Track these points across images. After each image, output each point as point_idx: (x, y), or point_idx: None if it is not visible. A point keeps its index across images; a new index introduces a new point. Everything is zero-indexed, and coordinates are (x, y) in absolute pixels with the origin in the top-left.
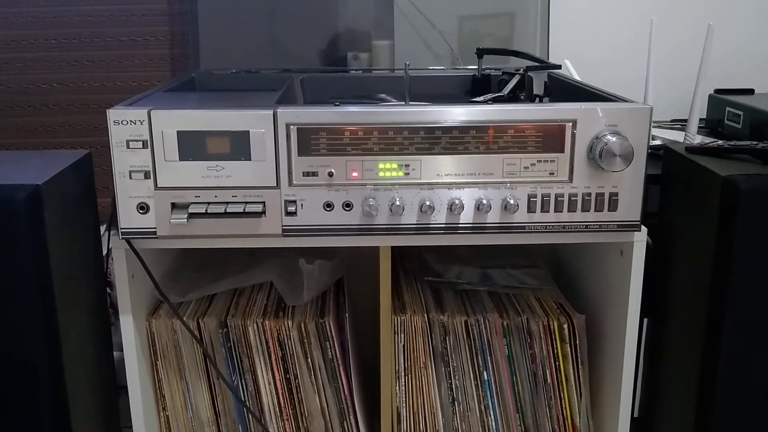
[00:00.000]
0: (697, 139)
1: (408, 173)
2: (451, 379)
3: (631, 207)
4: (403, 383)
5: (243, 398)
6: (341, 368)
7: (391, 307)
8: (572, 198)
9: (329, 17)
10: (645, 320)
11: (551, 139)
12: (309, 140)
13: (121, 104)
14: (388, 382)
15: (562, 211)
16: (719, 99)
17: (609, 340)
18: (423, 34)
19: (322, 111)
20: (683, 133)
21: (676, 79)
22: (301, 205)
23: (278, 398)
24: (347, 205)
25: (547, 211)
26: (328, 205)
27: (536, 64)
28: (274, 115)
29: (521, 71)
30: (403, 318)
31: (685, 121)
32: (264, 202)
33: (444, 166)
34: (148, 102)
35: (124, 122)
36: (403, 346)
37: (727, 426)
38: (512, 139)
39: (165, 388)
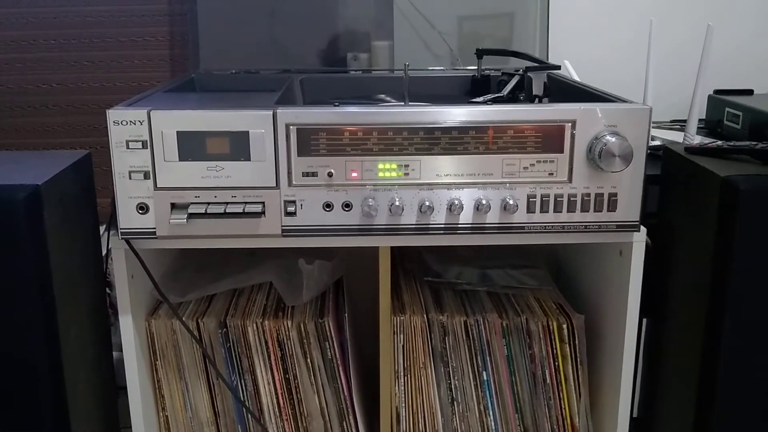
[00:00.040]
0: (697, 140)
1: (407, 173)
2: (450, 380)
3: (630, 207)
4: (403, 383)
5: (242, 398)
6: (340, 368)
7: (391, 307)
8: (571, 198)
9: (329, 18)
10: (644, 320)
11: (550, 139)
12: (308, 140)
13: (121, 105)
14: (387, 383)
15: (561, 212)
16: (718, 99)
17: (608, 340)
18: (422, 35)
19: (321, 111)
20: (682, 133)
21: (675, 79)
22: (301, 205)
23: (277, 398)
24: (347, 206)
25: (547, 212)
26: (328, 206)
27: (536, 64)
28: (274, 116)
29: (521, 72)
30: (402, 318)
31: (685, 121)
32: (263, 203)
33: (443, 167)
34: (147, 102)
35: (123, 122)
36: (403, 346)
37: (727, 426)
38: (512, 139)
39: (164, 388)
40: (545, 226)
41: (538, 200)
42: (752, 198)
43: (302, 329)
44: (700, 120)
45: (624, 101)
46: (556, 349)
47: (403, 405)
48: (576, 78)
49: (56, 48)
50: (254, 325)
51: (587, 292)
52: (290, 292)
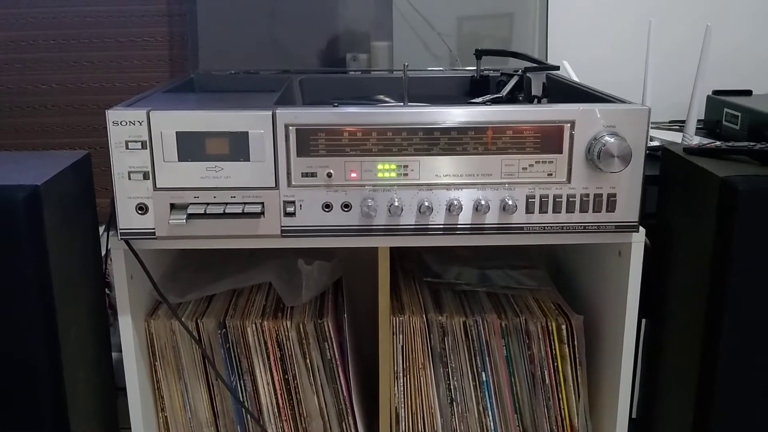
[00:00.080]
0: (695, 140)
1: (406, 174)
2: (449, 380)
3: (629, 208)
4: (402, 384)
5: (242, 399)
6: (340, 369)
7: (390, 307)
8: (570, 199)
9: (328, 18)
10: (643, 321)
11: (549, 139)
12: (308, 141)
13: (120, 105)
14: (386, 383)
15: (560, 212)
16: (717, 100)
17: (607, 340)
18: (422, 35)
19: (320, 112)
20: (681, 134)
21: (674, 80)
22: (300, 205)
23: (277, 399)
24: (346, 206)
25: (546, 212)
26: (327, 206)
27: (535, 65)
28: (273, 116)
29: (520, 72)
30: (401, 318)
31: (683, 122)
32: (263, 203)
33: (442, 167)
34: (147, 103)
35: (123, 123)
36: (402, 346)
37: (726, 426)
38: (511, 140)
39: (164, 388)
40: (544, 227)
41: (537, 201)
42: (751, 198)
43: (301, 330)
44: (698, 120)
45: (623, 102)
46: (555, 349)
47: (403, 405)
48: (575, 78)
49: (55, 48)
50: (253, 325)
51: (586, 292)
52: (289, 293)
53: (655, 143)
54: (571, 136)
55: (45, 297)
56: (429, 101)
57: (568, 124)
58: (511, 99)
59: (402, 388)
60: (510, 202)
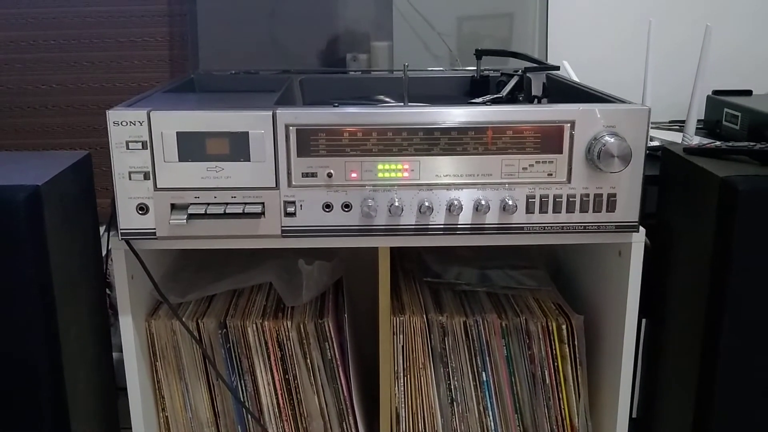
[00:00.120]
0: (695, 140)
1: (407, 174)
2: (449, 380)
3: (629, 208)
4: (402, 384)
5: (242, 399)
6: (340, 369)
7: (390, 307)
8: (570, 199)
9: (328, 18)
10: (643, 321)
11: (550, 140)
12: (308, 141)
13: (121, 105)
14: (387, 383)
15: (560, 212)
16: (717, 100)
17: (607, 340)
18: (422, 36)
19: (321, 112)
20: (681, 134)
21: (674, 80)
22: (300, 205)
23: (277, 399)
24: (346, 206)
25: (546, 212)
26: (327, 206)
27: (535, 65)
28: (274, 116)
29: (520, 72)
30: (402, 319)
31: (683, 122)
32: (263, 203)
33: (443, 167)
34: (147, 103)
35: (123, 123)
36: (402, 346)
37: (726, 426)
38: (511, 140)
39: (164, 388)
40: (544, 227)
41: (537, 201)
42: (751, 198)
43: (302, 330)
44: (698, 120)
45: (623, 102)
46: (555, 349)
47: (403, 405)
48: (575, 78)
49: (56, 48)
50: (254, 325)
51: (586, 292)
52: (290, 293)
53: (655, 143)
54: (571, 136)
55: (45, 297)
56: (429, 101)
57: (568, 124)
58: (511, 99)
59: (402, 388)
60: (510, 202)
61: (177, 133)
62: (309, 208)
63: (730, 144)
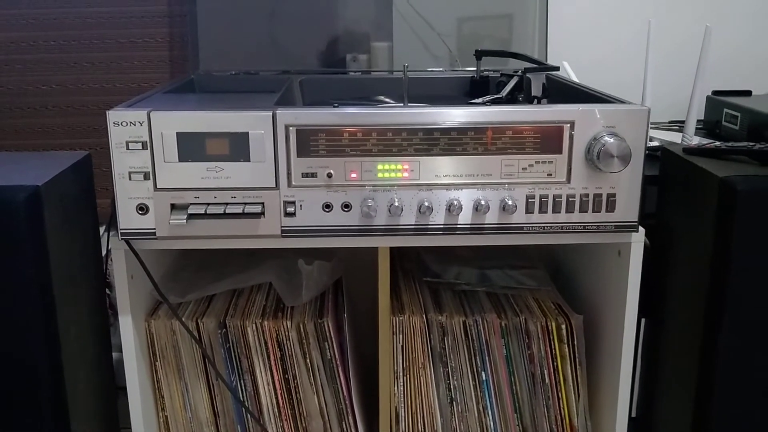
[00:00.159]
0: (695, 141)
1: (406, 174)
2: (449, 380)
3: (628, 208)
4: (402, 383)
5: (242, 399)
6: (340, 369)
7: (390, 307)
8: (570, 199)
9: (328, 19)
10: (643, 320)
11: (549, 140)
12: (308, 141)
13: (121, 106)
14: (386, 383)
15: (559, 212)
16: (717, 100)
17: (607, 340)
18: (422, 36)
19: (321, 112)
20: (681, 134)
21: (673, 80)
22: (300, 205)
23: (277, 399)
24: (346, 206)
25: (545, 212)
26: (327, 206)
27: (534, 65)
28: (273, 117)
29: (519, 73)
30: (401, 318)
31: (683, 122)
32: (263, 203)
33: (442, 167)
34: (147, 103)
35: (123, 123)
36: (402, 346)
37: (725, 426)
38: (510, 140)
39: (164, 388)
40: (544, 227)
41: (536, 201)
42: (750, 198)
43: (302, 330)
44: (698, 121)
45: (622, 102)
46: (554, 349)
47: (402, 405)
48: (575, 79)
49: (56, 49)
50: (254, 325)
51: (586, 292)
52: (290, 293)
53: (655, 143)
54: (571, 137)
55: (45, 297)
56: (429, 102)
57: (568, 125)
58: (510, 99)
59: (402, 388)
60: (510, 202)
61: (177, 133)
62: (309, 208)
63: (730, 144)
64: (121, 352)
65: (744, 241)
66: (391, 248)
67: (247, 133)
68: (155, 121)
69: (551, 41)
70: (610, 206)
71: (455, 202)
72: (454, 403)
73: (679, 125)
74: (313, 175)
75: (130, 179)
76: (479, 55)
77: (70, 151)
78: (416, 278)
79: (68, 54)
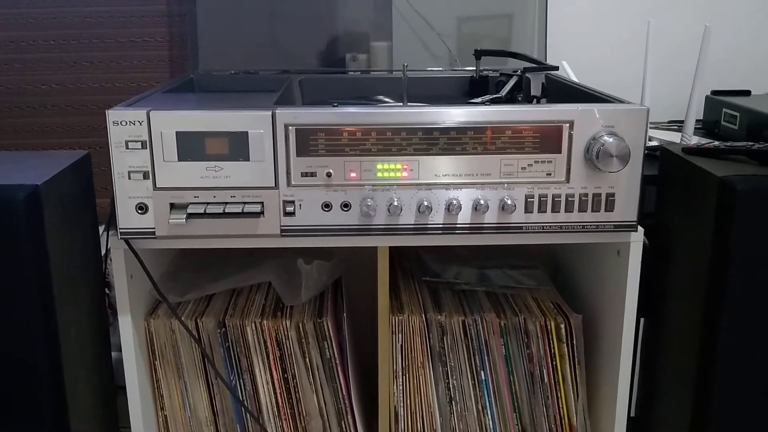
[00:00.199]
0: (694, 140)
1: (406, 174)
2: (448, 379)
3: (627, 207)
4: (401, 383)
5: (241, 398)
6: (339, 368)
7: (389, 307)
8: (569, 198)
9: (328, 18)
10: (642, 320)
11: (548, 139)
12: (307, 141)
13: (120, 105)
14: (385, 382)
15: (559, 212)
16: (716, 100)
17: (606, 339)
18: (421, 36)
19: (320, 112)
20: (680, 134)
21: (673, 80)
22: (300, 205)
23: (276, 398)
24: (345, 206)
25: (545, 212)
26: (327, 206)
27: (534, 65)
28: (273, 116)
29: (519, 72)
30: (400, 318)
31: (682, 122)
32: (262, 203)
33: (442, 167)
34: (147, 103)
35: (123, 123)
36: (401, 345)
37: (724, 425)
38: (510, 139)
39: (163, 387)
40: (543, 226)
41: (536, 200)
42: (749, 198)
43: (301, 329)
44: (697, 121)
45: (621, 102)
46: (554, 348)
47: (402, 404)
48: (574, 79)
49: (55, 49)
50: (253, 324)
51: (585, 292)
52: (289, 292)
53: (654, 143)
54: (570, 136)
55: (45, 297)
56: (428, 101)
57: (567, 124)
58: (510, 99)
59: (401, 387)
60: (509, 202)
61: (176, 132)
62: (308, 207)
63: (729, 144)
64: (121, 351)
65: (743, 241)
66: (391, 248)
67: (247, 133)
68: (155, 120)
69: (551, 41)
70: (609, 206)
71: (454, 202)
72: (453, 402)
73: (678, 125)
74: (313, 174)
75: (129, 179)
76: (478, 54)
77: (69, 151)
78: (415, 278)
79: (68, 53)
